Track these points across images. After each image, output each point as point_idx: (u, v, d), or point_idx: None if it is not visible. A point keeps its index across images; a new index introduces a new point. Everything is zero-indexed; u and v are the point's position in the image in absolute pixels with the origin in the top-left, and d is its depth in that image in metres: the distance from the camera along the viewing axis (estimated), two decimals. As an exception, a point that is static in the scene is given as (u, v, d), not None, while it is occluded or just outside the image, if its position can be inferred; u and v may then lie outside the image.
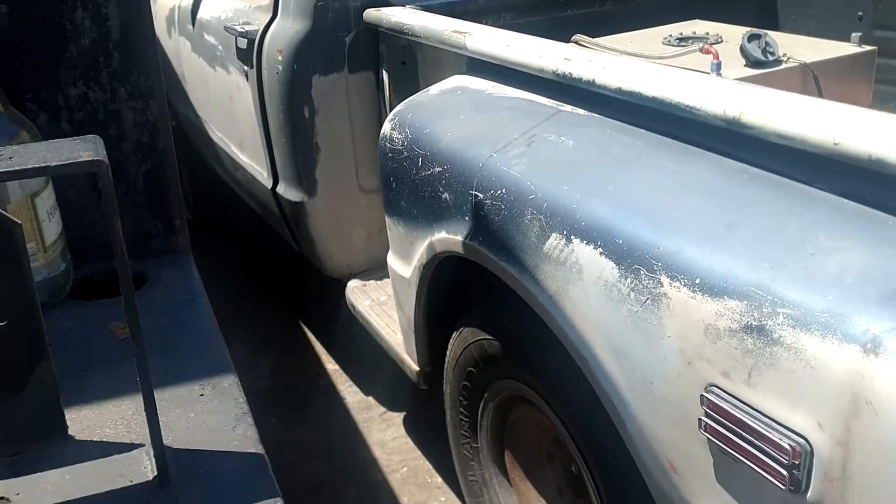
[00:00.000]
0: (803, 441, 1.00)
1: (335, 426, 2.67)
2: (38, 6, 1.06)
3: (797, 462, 1.01)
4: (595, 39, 2.25)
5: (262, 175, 2.68)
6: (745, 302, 1.06)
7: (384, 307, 2.39)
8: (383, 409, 2.74)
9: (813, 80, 2.08)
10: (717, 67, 2.03)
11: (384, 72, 2.37)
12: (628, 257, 1.23)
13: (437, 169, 1.67)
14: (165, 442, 0.71)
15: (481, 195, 1.53)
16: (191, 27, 3.10)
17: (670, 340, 1.16)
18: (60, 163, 0.68)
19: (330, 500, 2.34)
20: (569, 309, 1.35)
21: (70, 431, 0.77)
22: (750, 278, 1.07)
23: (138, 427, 0.79)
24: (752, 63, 2.06)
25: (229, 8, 2.78)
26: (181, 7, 3.22)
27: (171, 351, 0.78)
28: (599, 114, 1.52)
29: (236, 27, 2.57)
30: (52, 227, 1.05)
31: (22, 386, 0.71)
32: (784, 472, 1.02)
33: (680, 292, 1.14)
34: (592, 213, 1.31)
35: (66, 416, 0.72)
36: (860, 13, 2.69)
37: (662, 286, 1.17)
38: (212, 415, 0.81)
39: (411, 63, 2.34)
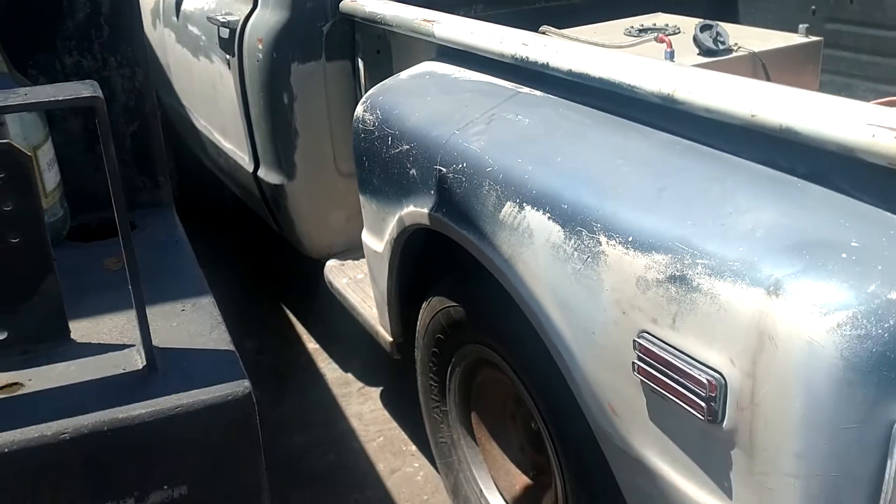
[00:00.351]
0: (718, 375, 1.13)
1: (315, 400, 2.79)
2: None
3: (714, 394, 1.14)
4: (561, 31, 2.39)
5: (244, 160, 2.80)
6: (670, 255, 1.20)
7: (360, 284, 2.51)
8: (361, 385, 2.87)
9: (762, 68, 2.22)
10: (671, 56, 2.17)
11: (360, 60, 2.49)
12: (572, 220, 1.36)
13: (405, 147, 1.80)
14: (153, 343, 0.84)
15: (444, 169, 1.66)
16: (175, 19, 3.21)
17: (608, 293, 1.29)
18: (66, 97, 0.81)
19: (309, 466, 2.47)
20: (522, 270, 1.48)
21: (71, 336, 0.90)
22: (675, 234, 1.21)
23: (129, 334, 0.91)
24: (704, 52, 2.20)
25: None
26: (166, 0, 3.33)
27: (157, 279, 0.90)
28: (553, 95, 1.65)
29: (219, 17, 2.69)
30: (52, 177, 1.16)
31: (31, 294, 0.84)
32: (703, 404, 1.15)
33: (615, 249, 1.28)
34: (542, 183, 1.44)
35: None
36: (813, 7, 2.84)
37: (601, 245, 1.30)
38: (192, 324, 0.94)
39: (385, 52, 2.46)
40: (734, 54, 2.18)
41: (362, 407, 2.75)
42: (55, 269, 0.86)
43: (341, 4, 2.41)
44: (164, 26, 3.39)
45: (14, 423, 0.76)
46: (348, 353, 3.01)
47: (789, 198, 1.19)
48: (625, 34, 2.39)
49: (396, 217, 1.90)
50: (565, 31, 2.38)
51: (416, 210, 1.79)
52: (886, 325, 1.00)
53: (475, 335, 1.83)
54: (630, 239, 1.26)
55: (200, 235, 3.73)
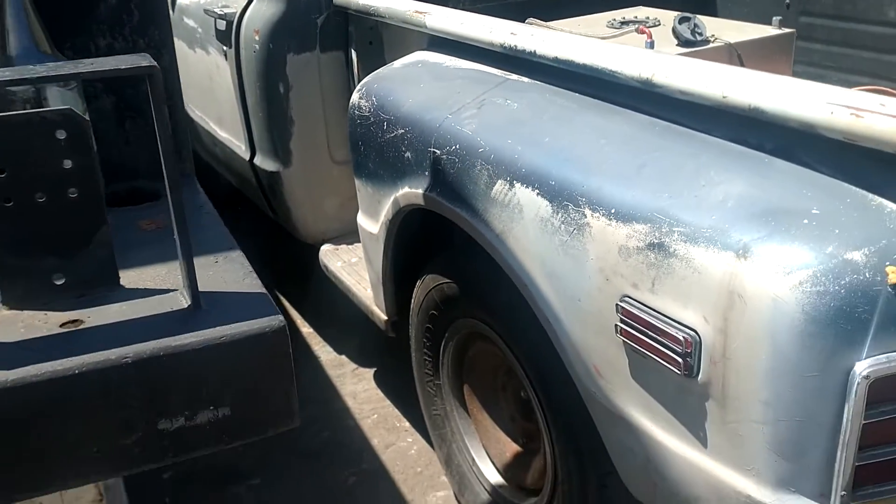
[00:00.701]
0: (693, 333, 1.24)
1: (310, 381, 2.88)
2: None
3: (689, 350, 1.25)
4: (546, 23, 2.49)
5: (241, 148, 2.89)
6: (650, 225, 1.30)
7: (355, 267, 2.61)
8: (355, 366, 2.96)
9: (737, 58, 2.34)
10: (651, 46, 2.28)
11: (353, 51, 2.58)
12: (559, 196, 1.46)
13: (400, 131, 1.90)
14: (193, 288, 0.94)
15: (438, 151, 1.76)
16: (171, 12, 3.29)
17: (592, 262, 1.40)
18: (128, 66, 0.91)
19: (307, 442, 2.56)
20: (512, 244, 1.58)
21: (120, 283, 1.00)
22: (653, 206, 1.32)
23: (171, 280, 1.01)
24: (683, 42, 2.31)
25: (208, -7, 2.97)
26: (160, -7, 3.41)
27: (191, 236, 1.00)
28: (540, 81, 1.76)
29: (216, 10, 2.77)
30: None
31: (87, 243, 0.94)
32: (680, 360, 1.26)
33: (599, 221, 1.38)
34: (531, 162, 1.55)
35: (115, 273, 0.96)
36: (787, 1, 2.96)
37: (586, 217, 1.41)
38: (225, 273, 1.04)
39: (378, 43, 2.56)
40: (711, 45, 2.29)
41: (356, 387, 2.85)
42: (108, 220, 0.96)
43: (335, -3, 2.50)
44: (158, 20, 3.46)
45: (82, 350, 0.86)
46: (342, 337, 3.11)
47: (757, 171, 1.30)
48: (607, 26, 2.50)
49: (392, 199, 2.00)
50: (550, 24, 2.48)
51: (411, 191, 1.89)
52: (843, 282, 1.11)
53: (468, 309, 1.94)
54: (613, 211, 1.36)
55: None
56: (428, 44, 2.17)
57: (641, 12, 2.65)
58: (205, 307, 0.94)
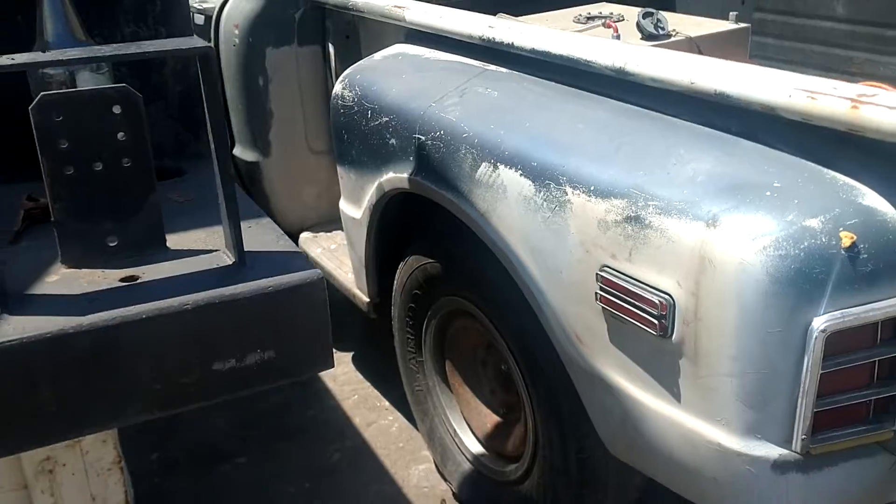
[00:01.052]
0: (668, 296, 1.37)
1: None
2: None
3: (664, 313, 1.37)
4: (516, 18, 2.61)
5: (219, 139, 2.95)
6: (626, 200, 1.43)
7: (335, 253, 2.70)
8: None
9: (697, 50, 2.48)
10: (617, 39, 2.41)
11: (330, 45, 2.67)
12: (541, 175, 1.58)
13: (385, 119, 2.00)
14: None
15: (423, 137, 1.86)
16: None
17: (573, 236, 1.52)
18: (186, 47, 1.01)
19: (292, 421, 2.65)
20: (497, 222, 1.69)
21: (167, 245, 1.09)
22: (630, 182, 1.44)
23: (212, 242, 1.11)
24: (647, 36, 2.44)
25: (184, -12, 3.03)
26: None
27: (216, 209, 1.09)
28: (518, 71, 1.87)
29: (195, 5, 2.84)
30: None
31: (138, 209, 1.03)
32: (656, 322, 1.39)
33: (579, 198, 1.50)
34: (513, 145, 1.66)
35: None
36: (743, -2, 3.11)
37: (567, 195, 1.52)
38: (260, 236, 1.13)
39: (354, 37, 2.65)
40: (673, 39, 2.43)
41: (336, 370, 2.93)
42: (157, 188, 1.05)
43: (313, -8, 2.59)
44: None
45: (145, 300, 0.95)
46: (319, 323, 3.19)
47: (723, 150, 1.43)
48: (574, 21, 2.62)
49: (376, 184, 2.10)
50: (520, 19, 2.60)
51: (396, 176, 1.99)
52: (802, 246, 1.25)
53: (451, 287, 2.04)
54: (592, 188, 1.48)
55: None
56: (406, 37, 2.27)
57: (606, 8, 2.78)
58: (248, 263, 1.04)
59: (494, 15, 2.55)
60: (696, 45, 2.47)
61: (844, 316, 1.24)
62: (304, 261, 1.06)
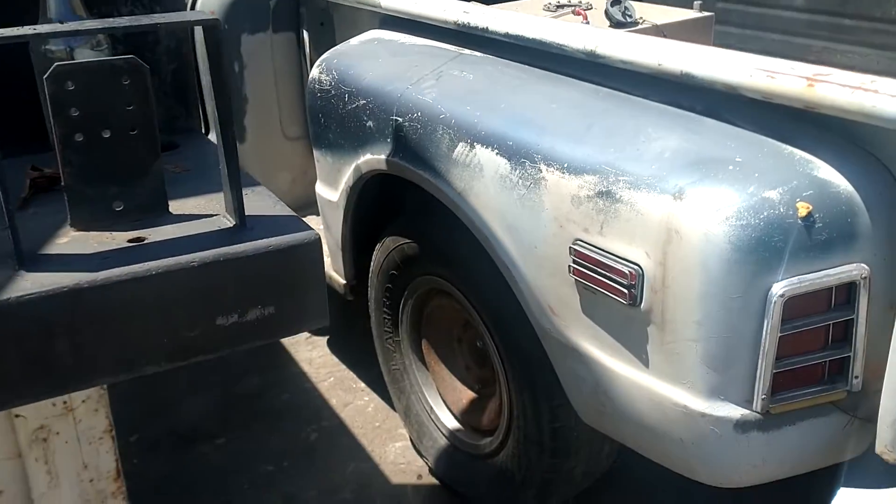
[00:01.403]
0: (637, 266, 1.44)
1: (265, 350, 3.00)
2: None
3: (633, 283, 1.45)
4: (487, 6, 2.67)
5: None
6: (598, 175, 1.49)
7: (310, 237, 2.74)
8: (308, 334, 3.10)
9: (663, 38, 2.56)
10: (586, 26, 2.48)
11: (305, 32, 2.71)
12: (517, 154, 1.64)
13: (362, 101, 2.05)
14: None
15: (400, 119, 1.92)
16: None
17: (547, 212, 1.59)
18: (194, 19, 1.06)
19: (268, 403, 2.69)
20: (474, 200, 1.76)
21: (169, 210, 1.14)
22: (601, 159, 1.51)
23: (212, 207, 1.16)
24: (615, 24, 2.52)
25: (157, -25, 3.05)
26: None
27: (214, 178, 1.14)
28: (492, 55, 1.93)
29: (169, -9, 2.85)
30: None
31: (143, 175, 1.08)
32: (626, 291, 1.46)
33: (553, 175, 1.57)
34: (489, 125, 1.72)
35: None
36: (706, -13, 3.20)
37: (541, 172, 1.59)
38: (257, 202, 1.19)
39: (329, 24, 2.69)
40: (640, 26, 2.51)
41: (311, 353, 2.98)
42: (160, 155, 1.09)
43: (288, -21, 2.63)
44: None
45: (153, 258, 1.00)
46: (294, 308, 3.23)
47: (689, 128, 1.51)
48: (543, 9, 2.69)
49: (353, 166, 2.15)
50: (490, 7, 2.66)
51: (374, 157, 2.04)
52: (762, 216, 1.32)
53: (427, 267, 2.10)
54: (565, 165, 1.55)
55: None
56: (381, 23, 2.32)
57: (574, -3, 2.85)
58: (249, 226, 1.09)
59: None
60: (663, 33, 2.56)
61: (801, 282, 1.32)
62: (302, 223, 1.12)
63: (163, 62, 1.44)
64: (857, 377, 1.40)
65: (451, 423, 2.27)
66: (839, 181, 1.35)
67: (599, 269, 1.50)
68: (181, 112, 1.53)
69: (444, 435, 2.28)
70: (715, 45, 2.75)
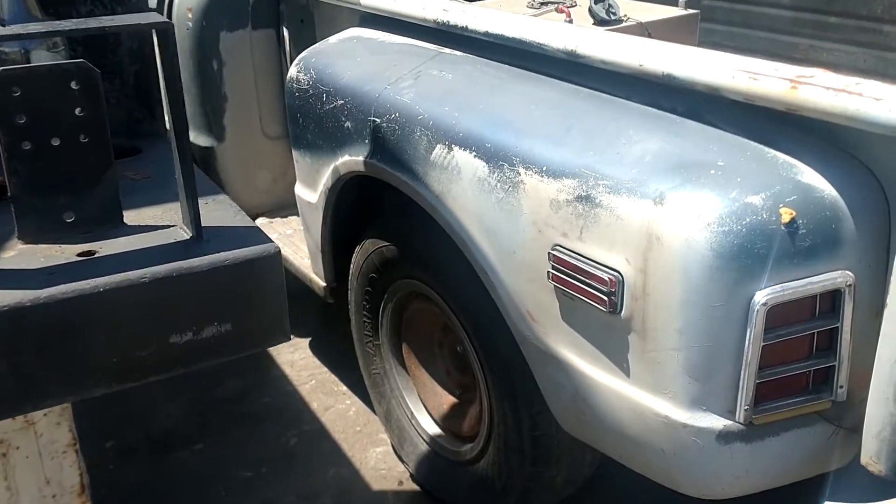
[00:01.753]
0: (617, 273, 1.40)
1: (246, 352, 2.96)
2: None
3: (614, 290, 1.41)
4: (469, 3, 2.62)
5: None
6: (577, 179, 1.46)
7: (291, 238, 2.70)
8: (290, 337, 3.05)
9: (647, 36, 2.52)
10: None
11: (284, 29, 2.66)
12: (495, 157, 1.60)
13: (340, 101, 2.00)
14: (190, 223, 1.03)
15: (378, 120, 1.88)
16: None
17: (526, 216, 1.55)
18: (146, 22, 1.01)
19: (247, 407, 2.65)
20: (451, 204, 1.71)
21: (123, 221, 1.09)
22: (581, 162, 1.47)
23: (169, 218, 1.11)
24: (599, 21, 2.48)
25: (135, -29, 2.99)
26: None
27: (175, 186, 1.09)
28: (472, 54, 1.89)
29: (146, -13, 2.80)
30: None
31: (95, 184, 1.03)
32: (606, 298, 1.42)
33: (532, 178, 1.53)
34: (468, 126, 1.68)
35: (117, 213, 1.04)
36: (692, -16, 3.16)
37: (520, 175, 1.55)
38: (216, 211, 1.14)
39: (309, 21, 2.64)
40: (624, 24, 2.47)
41: (293, 356, 2.94)
42: (114, 163, 1.05)
43: (267, -25, 2.58)
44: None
45: (102, 274, 0.95)
46: (276, 309, 3.18)
47: (671, 131, 1.47)
48: (527, 7, 2.65)
49: (331, 167, 2.10)
50: (474, 4, 2.62)
51: (352, 159, 1.99)
52: (744, 222, 1.29)
53: (407, 270, 2.06)
54: (544, 168, 1.51)
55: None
56: (360, 21, 2.28)
57: (558, -6, 2.81)
58: (205, 238, 1.05)
59: (449, 0, 2.58)
60: (647, 31, 2.52)
61: (784, 290, 1.29)
62: (262, 235, 1.07)
63: (125, 64, 1.39)
64: (842, 387, 1.37)
65: (432, 428, 2.23)
66: (823, 186, 1.31)
67: (579, 276, 1.46)
68: (144, 115, 1.48)
69: (424, 440, 2.24)
70: (700, 42, 2.73)
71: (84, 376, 0.96)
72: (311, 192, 2.27)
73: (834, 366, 1.36)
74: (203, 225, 1.05)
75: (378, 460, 2.40)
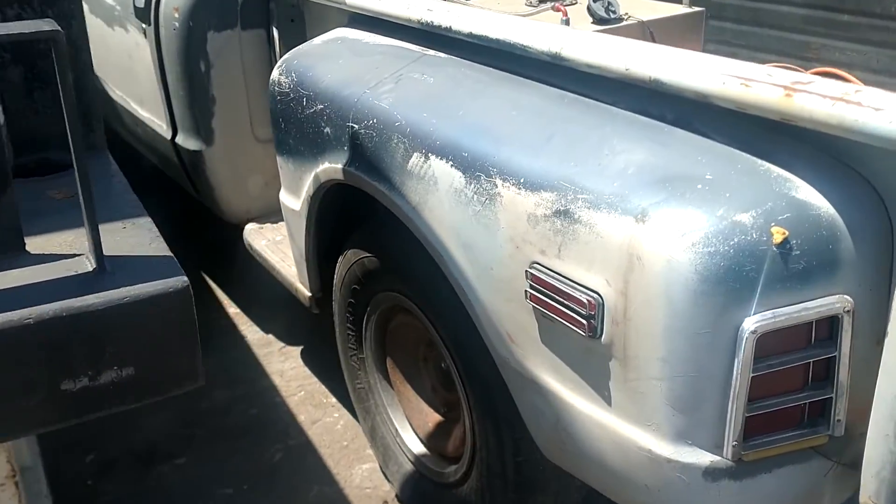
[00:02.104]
0: (596, 295, 1.30)
1: (237, 360, 2.88)
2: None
3: (593, 313, 1.30)
4: (466, 1, 2.52)
5: (162, 127, 2.85)
6: (556, 193, 1.35)
7: (279, 245, 2.61)
8: (282, 345, 2.97)
9: (650, 35, 2.41)
10: (566, 23, 2.33)
11: (274, 28, 2.57)
12: (472, 167, 1.50)
13: (319, 106, 1.91)
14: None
15: (356, 126, 1.78)
16: (87, -12, 3.21)
17: (503, 230, 1.44)
18: (32, 30, 0.91)
19: (234, 420, 2.56)
20: (428, 215, 1.61)
21: (26, 249, 1.00)
22: (560, 174, 1.36)
23: (78, 246, 1.02)
24: (598, 20, 2.37)
25: (125, -31, 2.91)
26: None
27: (99, 204, 1.00)
28: (456, 56, 1.79)
29: (133, -14, 2.72)
30: None
31: None
32: (584, 322, 1.32)
33: (509, 191, 1.42)
34: (445, 134, 1.58)
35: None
36: (699, -19, 3.04)
37: (497, 187, 1.45)
38: (132, 238, 1.05)
39: (299, 20, 2.55)
40: (624, 23, 2.36)
41: (283, 365, 2.85)
42: (13, 185, 0.96)
43: (256, -26, 2.49)
44: (75, -4, 3.38)
45: None
46: (268, 316, 3.11)
47: (657, 140, 1.36)
48: (525, 4, 2.55)
49: (313, 174, 2.01)
50: (470, 1, 2.51)
51: (331, 166, 1.90)
52: (732, 243, 1.18)
53: (388, 283, 1.96)
54: (522, 180, 1.41)
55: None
56: (348, 20, 2.18)
57: (559, -9, 2.70)
58: (110, 270, 0.95)
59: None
60: (649, 30, 2.41)
61: (776, 316, 1.18)
62: (174, 266, 0.98)
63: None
64: (839, 420, 1.26)
65: (417, 447, 2.14)
66: (820, 202, 1.20)
67: (557, 296, 1.36)
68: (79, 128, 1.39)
69: (409, 460, 2.15)
70: (708, 41, 2.61)
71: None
72: (294, 200, 2.18)
73: (831, 398, 1.24)
74: (113, 254, 0.96)
75: (364, 478, 2.31)
